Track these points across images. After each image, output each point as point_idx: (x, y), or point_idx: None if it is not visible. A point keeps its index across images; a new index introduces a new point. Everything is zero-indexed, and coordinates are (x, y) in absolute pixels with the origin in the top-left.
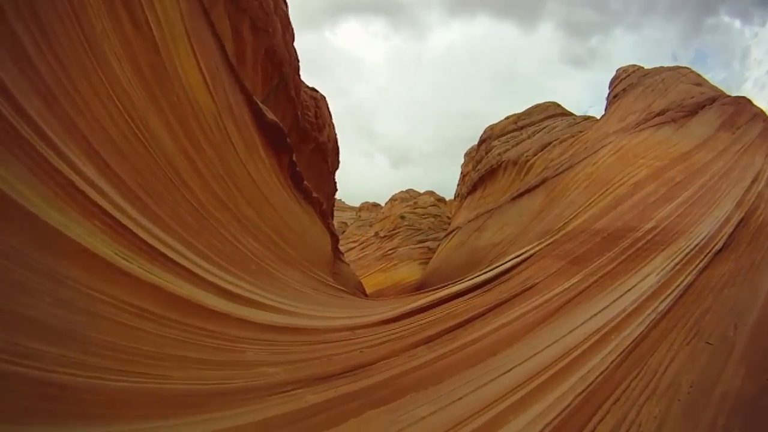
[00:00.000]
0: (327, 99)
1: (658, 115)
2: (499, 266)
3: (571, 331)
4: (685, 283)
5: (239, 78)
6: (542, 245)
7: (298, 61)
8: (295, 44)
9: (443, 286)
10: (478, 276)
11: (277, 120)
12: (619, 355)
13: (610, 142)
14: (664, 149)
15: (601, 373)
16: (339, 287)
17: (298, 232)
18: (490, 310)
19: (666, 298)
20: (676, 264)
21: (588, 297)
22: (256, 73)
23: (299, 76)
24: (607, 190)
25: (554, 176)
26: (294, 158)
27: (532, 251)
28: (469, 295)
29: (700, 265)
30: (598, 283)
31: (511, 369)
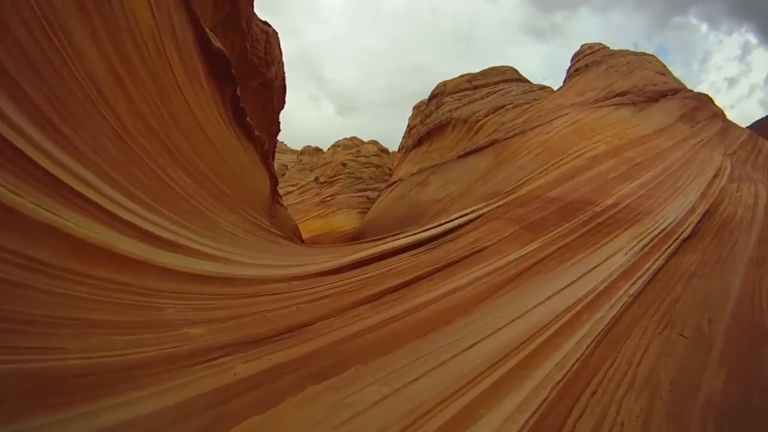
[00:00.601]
0: (280, 40)
1: (618, 95)
2: (444, 223)
3: (536, 306)
4: (654, 267)
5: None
6: (491, 207)
7: None
8: None
9: (383, 239)
10: (422, 232)
11: (223, 48)
12: (593, 340)
13: (566, 114)
14: (622, 129)
15: (577, 359)
16: (276, 232)
17: (237, 170)
18: (437, 270)
19: (636, 280)
20: (645, 246)
21: (546, 267)
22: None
23: (252, 7)
24: (561, 159)
25: (504, 139)
26: (238, 92)
27: (480, 212)
28: (413, 252)
29: (669, 251)
30: (557, 254)
31: (472, 345)
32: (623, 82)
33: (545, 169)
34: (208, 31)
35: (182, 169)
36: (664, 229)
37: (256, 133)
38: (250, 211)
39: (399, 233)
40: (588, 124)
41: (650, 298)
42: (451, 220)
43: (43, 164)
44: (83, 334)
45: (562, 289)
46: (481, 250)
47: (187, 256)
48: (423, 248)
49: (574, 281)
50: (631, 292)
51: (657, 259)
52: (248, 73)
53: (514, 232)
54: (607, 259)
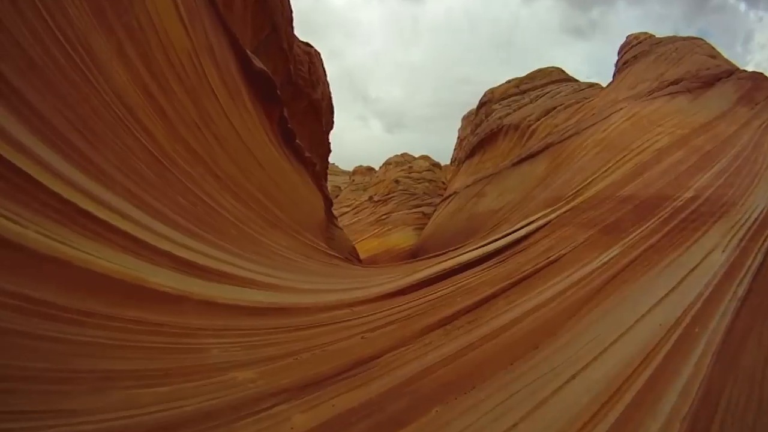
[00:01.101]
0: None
1: (672, 84)
2: (509, 234)
3: (637, 321)
4: (756, 264)
5: (223, 19)
6: (558, 212)
7: (292, 11)
8: (291, 5)
9: (445, 254)
10: (488, 244)
11: (266, 69)
12: (711, 358)
13: (621, 108)
14: (682, 118)
15: (700, 384)
16: (333, 253)
17: (288, 192)
18: (511, 285)
19: (742, 280)
20: (741, 240)
21: (635, 274)
22: (245, 22)
23: (292, 28)
24: (625, 156)
25: (559, 142)
26: (285, 114)
27: (546, 218)
28: (481, 266)
29: (767, 243)
30: (643, 258)
31: (574, 376)
32: (675, 70)
33: (609, 168)
34: (249, 52)
35: (230, 193)
36: (756, 220)
37: (307, 154)
38: (305, 234)
39: (462, 247)
40: (646, 117)
41: (758, 300)
42: (516, 230)
43: (54, 188)
44: (100, 390)
45: (663, 297)
46: (556, 260)
47: (235, 286)
48: (491, 262)
49: (675, 288)
50: (738, 294)
51: (756, 254)
52: (294, 95)
53: (590, 238)
54: (703, 259)
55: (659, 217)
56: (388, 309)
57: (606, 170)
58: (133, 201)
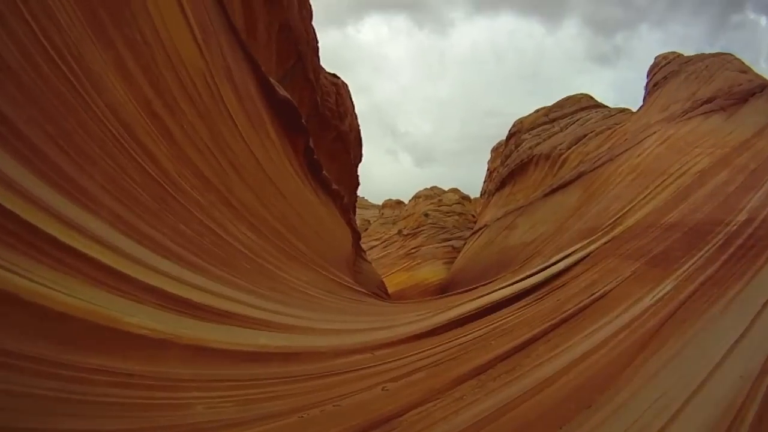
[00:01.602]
0: (352, 99)
1: (705, 103)
2: (545, 268)
3: (712, 372)
4: None
5: (244, 44)
6: (596, 243)
7: (317, 41)
8: (320, 41)
9: (477, 289)
10: (523, 279)
11: (290, 97)
12: None
13: (655, 132)
14: (720, 137)
15: None
16: (358, 289)
17: (313, 225)
18: (553, 327)
19: None
20: None
21: (695, 312)
22: (270, 51)
23: (318, 58)
24: (664, 180)
25: (592, 170)
26: (311, 144)
27: (585, 250)
28: (518, 304)
29: None
30: (702, 292)
31: None
32: (707, 88)
33: (648, 194)
34: (272, 80)
35: (245, 224)
36: None
37: (335, 186)
38: (329, 268)
39: (494, 282)
40: (682, 138)
41: None
42: (552, 263)
43: (15, 209)
44: None
45: (737, 341)
46: (601, 296)
47: (239, 328)
48: (528, 299)
49: (749, 328)
50: None
51: None
52: (322, 127)
53: (637, 270)
54: None
55: (713, 245)
56: (415, 353)
57: (645, 197)
58: (121, 228)
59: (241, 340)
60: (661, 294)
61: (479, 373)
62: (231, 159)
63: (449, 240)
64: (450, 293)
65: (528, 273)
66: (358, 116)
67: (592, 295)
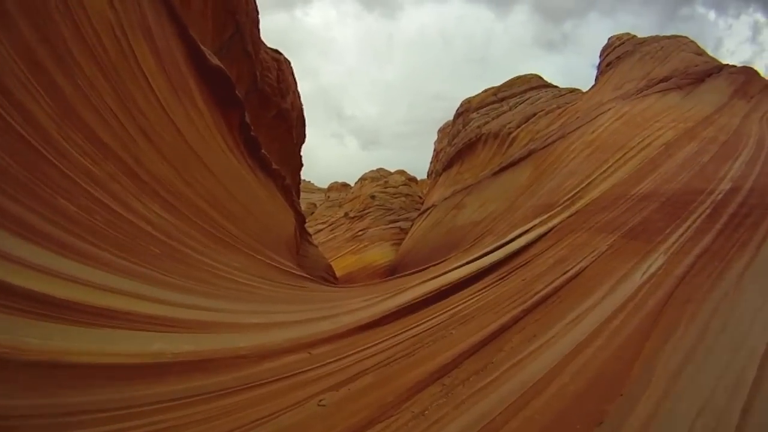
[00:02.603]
0: (297, 80)
1: (660, 81)
2: (503, 245)
3: (763, 365)
4: None
5: (170, 4)
6: (557, 218)
7: (257, 12)
8: (266, 24)
9: (428, 270)
10: (480, 257)
11: (222, 66)
12: None
13: (609, 109)
14: (680, 113)
15: None
16: (300, 273)
17: (248, 206)
18: (525, 313)
19: None
20: None
21: (700, 289)
22: (205, 20)
23: (259, 31)
24: (625, 154)
25: (543, 147)
26: (247, 119)
27: (546, 225)
28: (477, 285)
29: None
30: (701, 266)
31: None
32: (662, 68)
33: (609, 168)
34: (203, 47)
35: (158, 201)
36: None
37: (275, 166)
38: (266, 252)
39: (446, 261)
40: (639, 114)
41: None
42: (510, 240)
43: None
44: None
45: (753, 321)
46: (577, 274)
47: (126, 331)
48: (488, 279)
49: (762, 308)
50: None
51: None
52: (262, 104)
53: (614, 245)
54: None
55: (699, 214)
56: (361, 350)
57: (605, 170)
58: None
59: (123, 348)
60: (652, 269)
61: (442, 375)
62: (143, 126)
63: (396, 221)
64: (399, 275)
65: (484, 251)
66: (305, 100)
67: (566, 273)
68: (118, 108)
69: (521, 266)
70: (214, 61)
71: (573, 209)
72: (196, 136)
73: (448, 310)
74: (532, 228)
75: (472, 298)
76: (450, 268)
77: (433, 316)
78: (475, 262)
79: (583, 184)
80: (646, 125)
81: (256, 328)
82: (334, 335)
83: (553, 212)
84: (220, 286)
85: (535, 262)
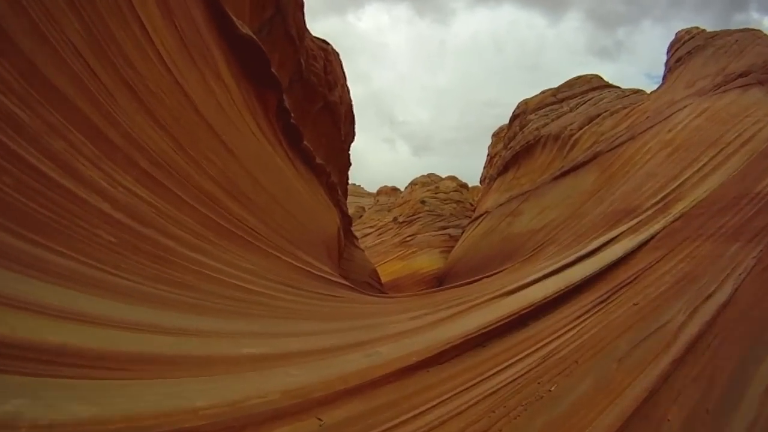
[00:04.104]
0: (349, 86)
1: (739, 77)
2: (588, 254)
3: None
4: None
5: None
6: (654, 224)
7: None
8: (318, 29)
9: (486, 282)
10: (556, 272)
11: (254, 37)
12: None
13: (686, 106)
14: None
15: None
16: (338, 280)
17: (279, 198)
18: (677, 363)
19: None
20: None
21: None
22: None
23: (303, 15)
24: (722, 150)
25: (609, 150)
26: (287, 104)
27: (640, 233)
28: (572, 308)
29: None
30: None
31: None
32: (738, 63)
33: (704, 165)
34: (228, 12)
35: (132, 171)
36: None
37: (319, 161)
38: (296, 252)
39: (503, 271)
40: (723, 110)
41: None
42: (594, 250)
43: None
44: None
45: None
46: (729, 300)
47: None
48: (586, 300)
49: None
50: None
51: None
52: (307, 95)
53: (763, 258)
54: None
55: None
56: (405, 419)
57: (700, 169)
58: None
59: None
60: None
61: None
62: (127, 77)
63: (446, 228)
64: (451, 285)
65: (562, 263)
66: (356, 104)
67: (708, 297)
68: (96, 63)
69: (626, 284)
70: (245, 30)
71: (673, 213)
72: (214, 109)
73: (537, 348)
74: (619, 236)
75: (567, 330)
76: (522, 282)
77: (516, 356)
78: (555, 277)
79: (673, 185)
80: (734, 121)
81: (244, 365)
82: (365, 383)
83: (642, 218)
84: (214, 294)
85: (644, 279)
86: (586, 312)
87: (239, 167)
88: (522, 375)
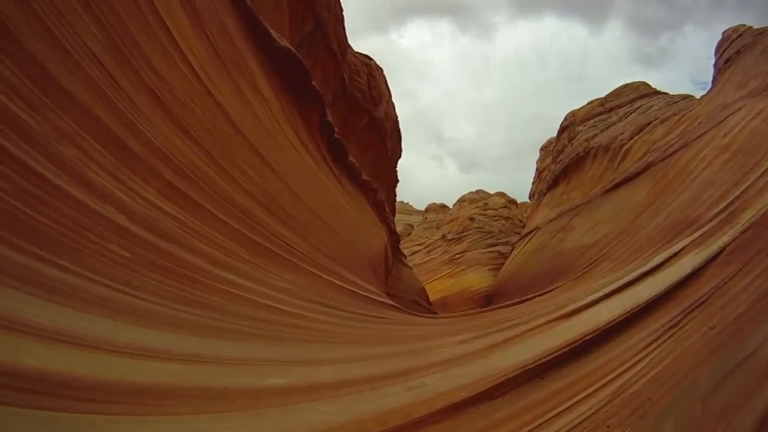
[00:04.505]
0: (395, 104)
1: None
2: (649, 271)
3: None
4: None
5: None
6: (721, 237)
7: (342, 9)
8: (361, 47)
9: (538, 302)
10: (617, 291)
11: (293, 49)
12: None
13: (739, 108)
14: None
15: None
16: (383, 300)
17: (322, 214)
18: None
19: None
20: None
21: None
22: (280, 10)
23: (344, 29)
24: None
25: (662, 159)
26: (330, 118)
27: (706, 246)
28: (639, 333)
29: None
30: None
31: None
32: None
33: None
34: (266, 24)
35: (154, 182)
36: None
37: (365, 177)
38: (339, 271)
39: (556, 289)
40: None
41: None
42: (656, 266)
43: None
44: None
45: None
46: None
47: None
48: (654, 324)
49: None
50: None
51: None
52: (351, 110)
53: None
54: None
55: None
56: None
57: (763, 174)
58: None
59: None
60: None
61: None
62: (151, 84)
63: (495, 245)
64: (502, 305)
65: (621, 281)
66: (403, 123)
67: None
68: (103, 48)
69: (698, 305)
70: (283, 42)
71: (741, 224)
72: (250, 121)
73: (605, 383)
74: (682, 250)
75: (638, 360)
76: (581, 303)
77: (581, 393)
78: (617, 297)
79: (736, 193)
80: None
81: (266, 400)
82: (406, 424)
83: (705, 230)
84: (240, 315)
85: (718, 299)
86: (657, 338)
87: (278, 182)
88: (588, 417)
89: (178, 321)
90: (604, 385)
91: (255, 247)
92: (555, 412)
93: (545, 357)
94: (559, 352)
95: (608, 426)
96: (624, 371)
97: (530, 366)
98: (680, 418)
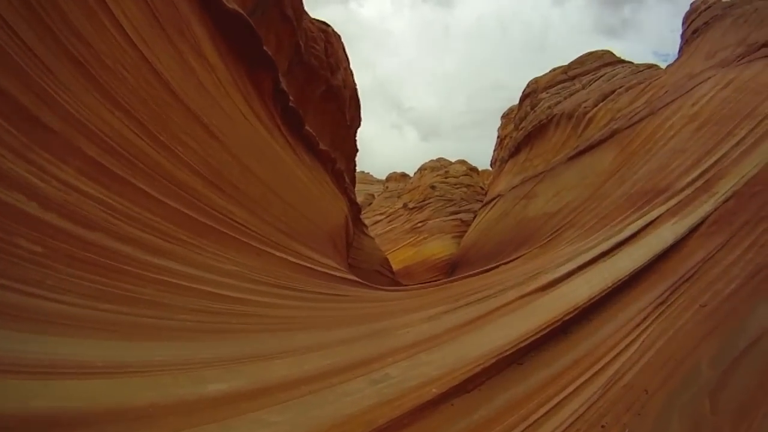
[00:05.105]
0: (354, 73)
1: (763, 46)
2: (626, 240)
3: None
4: None
5: None
6: (700, 206)
7: None
8: (320, 16)
9: (505, 270)
10: (593, 262)
11: (243, 13)
12: None
13: (709, 78)
14: None
15: None
16: (343, 275)
17: (277, 188)
18: None
19: None
20: None
21: None
22: None
23: None
24: (761, 122)
25: (628, 127)
26: (284, 86)
27: (685, 215)
28: (624, 311)
29: None
30: None
31: None
32: (759, 33)
33: (744, 139)
34: None
35: (73, 160)
36: None
37: (323, 147)
38: (295, 247)
39: (521, 257)
40: (751, 80)
41: None
42: (632, 235)
43: None
44: None
45: None
46: None
47: None
48: (639, 300)
49: None
50: None
51: None
52: (308, 78)
53: None
54: None
55: None
56: None
57: (738, 143)
58: None
59: None
60: None
61: None
62: (82, 58)
63: (457, 213)
64: (468, 274)
65: (597, 251)
66: (362, 93)
67: None
68: (13, 10)
69: (685, 279)
70: (231, 5)
71: (721, 193)
72: (194, 90)
73: (592, 372)
74: (657, 219)
75: (627, 345)
76: (557, 275)
77: (569, 386)
78: (595, 268)
79: (709, 161)
80: (766, 92)
81: (204, 413)
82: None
83: (680, 198)
84: (178, 308)
85: (707, 274)
86: (645, 318)
87: (225, 153)
88: (580, 416)
89: (101, 324)
90: (593, 375)
91: (197, 227)
92: (542, 411)
93: (523, 341)
94: (539, 335)
95: (603, 426)
96: (613, 358)
97: (507, 352)
98: (687, 416)
